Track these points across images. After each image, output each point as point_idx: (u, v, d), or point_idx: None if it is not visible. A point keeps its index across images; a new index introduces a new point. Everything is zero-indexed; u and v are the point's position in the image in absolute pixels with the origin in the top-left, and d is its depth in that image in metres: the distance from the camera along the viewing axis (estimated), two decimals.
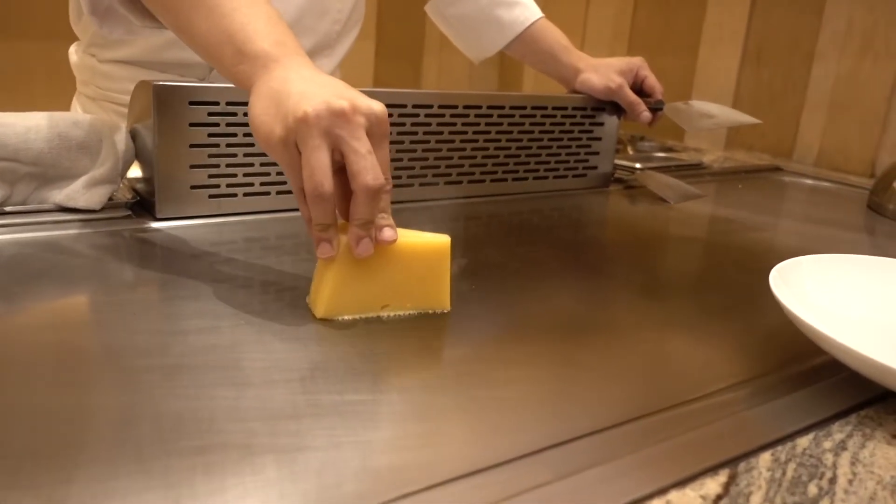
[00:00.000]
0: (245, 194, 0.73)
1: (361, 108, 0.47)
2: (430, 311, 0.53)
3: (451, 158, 0.86)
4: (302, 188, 0.48)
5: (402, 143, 0.82)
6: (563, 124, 0.95)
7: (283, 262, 0.63)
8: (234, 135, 0.70)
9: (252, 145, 0.71)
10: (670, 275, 0.73)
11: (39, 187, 0.66)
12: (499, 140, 0.90)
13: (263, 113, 0.49)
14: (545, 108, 0.93)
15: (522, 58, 1.06)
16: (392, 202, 0.51)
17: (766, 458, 0.37)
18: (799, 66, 1.38)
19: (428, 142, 0.84)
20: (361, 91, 0.51)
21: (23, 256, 0.58)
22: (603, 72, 0.97)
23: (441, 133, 0.84)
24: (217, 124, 0.69)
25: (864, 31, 1.28)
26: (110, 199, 0.69)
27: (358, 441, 0.36)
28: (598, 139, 1.00)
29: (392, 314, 0.52)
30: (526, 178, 0.94)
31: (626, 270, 0.70)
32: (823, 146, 1.36)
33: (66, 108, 0.95)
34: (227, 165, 0.71)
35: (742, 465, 0.36)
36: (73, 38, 0.91)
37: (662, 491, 0.34)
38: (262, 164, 0.72)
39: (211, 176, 0.70)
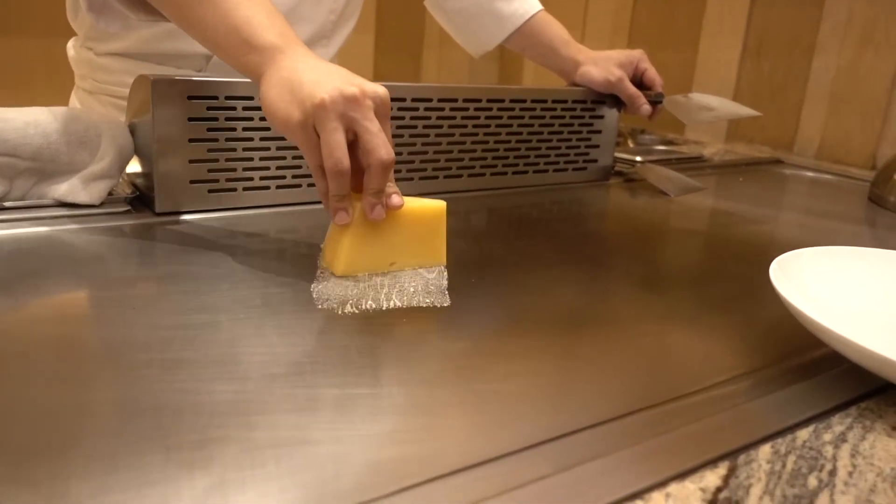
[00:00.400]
0: (244, 189, 0.73)
1: (369, 93, 0.53)
2: (436, 302, 0.53)
3: (450, 152, 0.86)
4: (319, 165, 0.54)
5: (401, 136, 0.82)
6: (564, 117, 0.95)
7: (282, 257, 0.63)
8: (234, 129, 0.70)
9: (251, 140, 0.71)
10: (671, 268, 0.73)
11: (38, 182, 0.66)
12: (499, 133, 0.89)
13: (279, 100, 0.54)
14: (545, 101, 0.93)
15: (522, 51, 1.06)
16: None
17: (765, 450, 0.37)
18: (800, 58, 1.38)
19: (428, 135, 0.84)
20: None
21: (22, 251, 0.58)
22: (603, 65, 0.97)
23: (441, 127, 0.84)
24: (216, 119, 0.69)
25: (865, 23, 1.27)
26: (109, 194, 0.69)
27: (358, 434, 0.36)
28: (599, 132, 1.00)
29: (399, 302, 0.53)
30: (526, 172, 0.94)
31: (626, 263, 0.70)
32: (824, 138, 1.36)
33: (65, 103, 0.94)
34: (227, 160, 0.71)
35: (742, 458, 0.36)
36: (72, 34, 0.91)
37: (662, 483, 0.34)
38: (261, 159, 0.72)
39: (210, 171, 0.70)
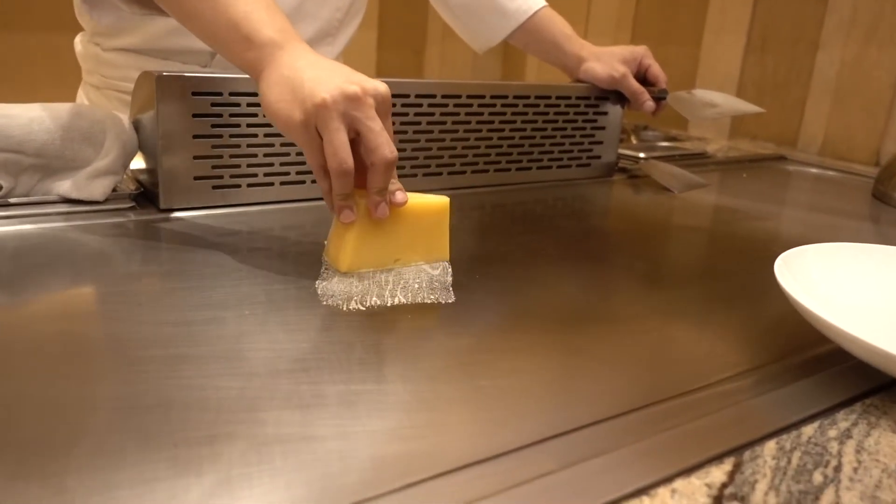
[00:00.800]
0: (249, 185, 0.73)
1: (370, 91, 0.53)
2: (440, 298, 0.53)
3: (454, 148, 0.86)
4: (322, 165, 0.54)
5: (404, 133, 0.82)
6: (567, 114, 0.95)
7: (287, 253, 0.63)
8: (238, 125, 0.70)
9: (255, 136, 0.71)
10: (674, 264, 0.73)
11: (43, 179, 0.66)
12: (502, 130, 0.89)
13: (280, 99, 0.54)
14: (549, 97, 0.92)
15: (525, 47, 1.06)
16: None
17: (771, 446, 0.37)
18: (803, 54, 1.38)
19: (431, 132, 0.84)
20: None
21: (27, 248, 0.59)
22: (606, 61, 0.97)
23: (444, 123, 0.84)
24: (220, 115, 0.69)
25: (869, 18, 1.27)
26: (114, 190, 0.69)
27: (363, 430, 0.37)
28: (602, 128, 0.99)
29: (404, 298, 0.53)
30: (529, 168, 0.94)
31: (630, 260, 0.70)
32: (828, 135, 1.36)
33: (70, 98, 0.94)
34: (231, 156, 0.71)
35: (747, 454, 0.36)
36: (76, 29, 0.91)
37: (667, 480, 0.34)
38: (265, 155, 0.72)
39: (214, 167, 0.70)
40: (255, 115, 0.70)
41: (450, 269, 0.58)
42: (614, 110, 1.00)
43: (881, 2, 1.25)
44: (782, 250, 0.53)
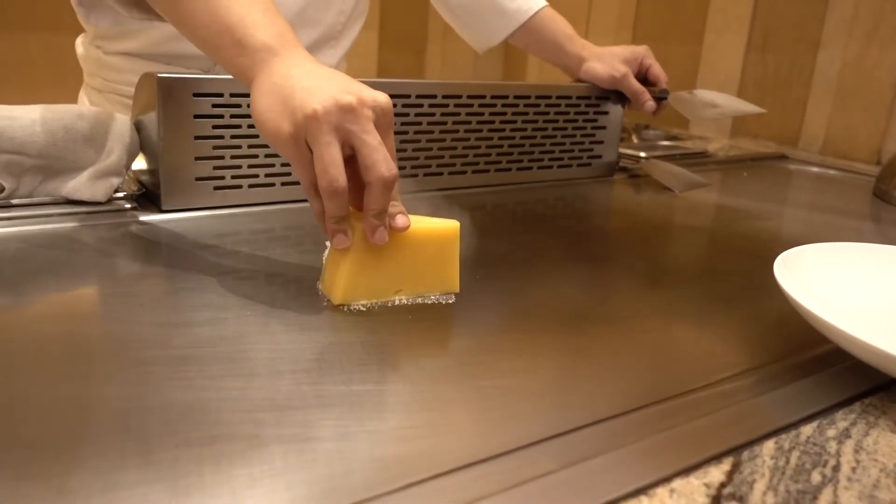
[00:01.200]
0: (250, 186, 0.73)
1: (368, 102, 0.48)
2: (440, 299, 0.53)
3: (455, 148, 0.86)
4: (313, 183, 0.49)
5: (405, 133, 0.82)
6: (568, 113, 0.95)
7: (288, 253, 0.63)
8: (239, 126, 0.70)
9: (257, 136, 0.71)
10: (675, 264, 0.73)
11: (45, 180, 0.66)
12: (503, 130, 0.89)
13: (268, 109, 0.49)
14: (549, 97, 0.93)
15: (526, 47, 1.06)
16: None
17: (769, 446, 0.37)
18: (805, 53, 1.38)
19: (432, 132, 0.84)
20: (364, 81, 0.52)
21: (29, 249, 0.59)
22: (607, 60, 0.97)
23: (445, 123, 0.84)
24: (221, 116, 0.69)
25: (871, 17, 1.27)
26: (116, 191, 0.69)
27: (364, 431, 0.37)
28: (603, 128, 1.00)
29: (405, 299, 0.52)
30: (530, 168, 0.94)
31: (630, 260, 0.70)
32: (829, 134, 1.36)
33: (71, 99, 0.95)
34: (232, 157, 0.71)
35: (746, 454, 0.37)
36: (78, 30, 0.91)
37: (666, 479, 0.34)
38: (266, 156, 0.73)
39: (216, 168, 0.70)
40: None
41: None
42: (615, 110, 1.00)
43: (882, 1, 1.25)
44: (783, 250, 0.53)
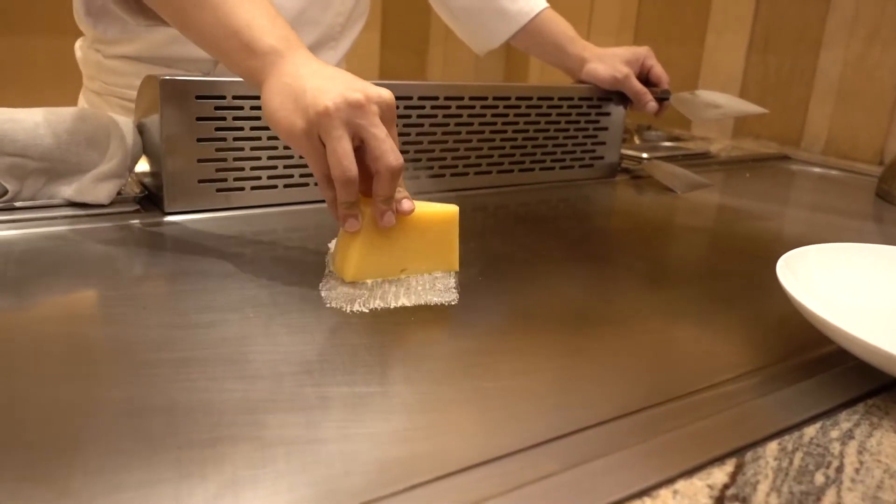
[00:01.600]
0: (252, 188, 0.73)
1: (374, 98, 0.52)
2: (442, 300, 0.53)
3: (457, 150, 0.86)
4: (325, 174, 0.53)
5: (408, 134, 0.82)
6: (570, 115, 0.95)
7: (290, 255, 0.63)
8: (241, 129, 0.70)
9: (259, 139, 0.71)
10: (677, 265, 0.73)
11: (48, 182, 0.67)
12: (505, 131, 0.90)
13: (281, 108, 0.53)
14: (551, 98, 0.93)
15: (528, 49, 1.06)
16: None
17: (772, 447, 0.37)
18: (806, 53, 1.37)
19: (434, 133, 0.84)
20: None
21: (33, 251, 0.59)
22: (609, 62, 0.97)
23: (447, 125, 0.84)
24: (224, 118, 0.69)
25: (872, 17, 1.27)
26: (119, 193, 0.69)
27: (367, 433, 0.37)
28: (605, 129, 1.00)
29: (407, 302, 0.53)
30: (532, 169, 0.94)
31: (632, 260, 0.70)
32: (831, 134, 1.36)
33: (73, 102, 0.95)
34: (235, 159, 0.71)
35: (749, 455, 0.37)
36: (79, 33, 0.91)
37: (669, 481, 0.34)
38: (269, 158, 0.73)
39: (218, 170, 0.70)
40: (259, 119, 0.71)
41: (453, 271, 0.59)
42: (617, 111, 1.00)
43: (883, 2, 1.25)
44: (785, 250, 0.53)
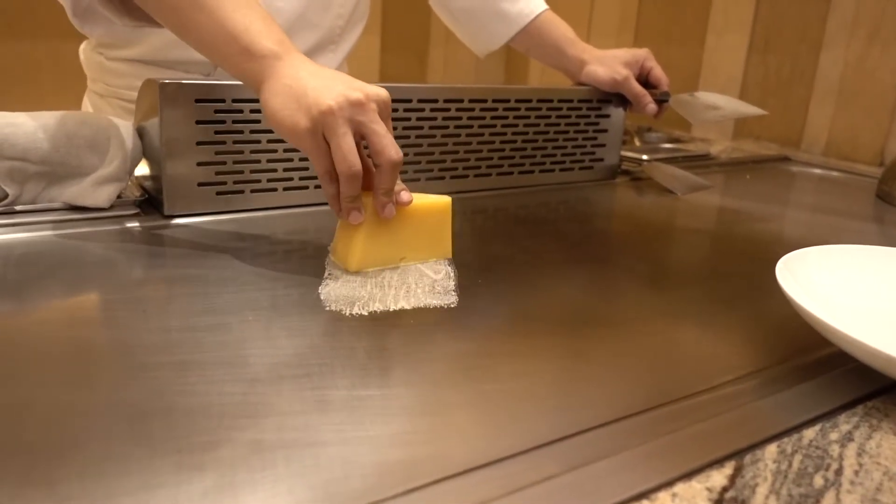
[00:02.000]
0: (252, 191, 0.73)
1: (372, 96, 0.55)
2: (442, 302, 0.53)
3: (457, 152, 0.86)
4: (328, 171, 0.56)
5: (407, 137, 0.82)
6: (569, 117, 0.95)
7: (290, 258, 0.63)
8: (241, 132, 0.70)
9: (258, 142, 0.71)
10: (677, 266, 0.73)
11: (48, 186, 0.67)
12: (505, 133, 0.90)
13: (284, 108, 0.55)
14: (551, 100, 0.93)
15: (527, 51, 1.06)
16: None
17: (772, 449, 0.37)
18: (807, 54, 1.38)
19: (434, 136, 0.84)
20: None
21: (33, 255, 0.59)
22: (608, 64, 0.97)
23: (447, 127, 0.84)
24: (223, 121, 0.69)
25: (873, 18, 1.27)
26: (119, 196, 0.70)
27: (366, 436, 0.37)
28: (605, 131, 1.00)
29: (407, 305, 0.53)
30: (532, 172, 0.94)
31: (632, 262, 0.70)
32: (832, 135, 1.36)
33: (74, 106, 0.95)
34: (234, 162, 0.71)
35: (748, 458, 0.37)
36: (81, 37, 0.91)
37: (669, 483, 0.34)
38: (268, 161, 0.73)
39: (218, 173, 0.70)
40: (258, 122, 0.71)
41: (453, 274, 0.59)
42: (616, 113, 1.00)
43: (884, 2, 1.25)
44: (785, 252, 0.53)
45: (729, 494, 0.34)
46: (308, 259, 0.62)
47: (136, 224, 0.67)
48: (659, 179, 1.00)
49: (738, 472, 0.35)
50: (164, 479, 0.32)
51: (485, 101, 0.86)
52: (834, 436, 0.39)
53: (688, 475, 0.35)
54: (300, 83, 0.55)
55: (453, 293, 0.55)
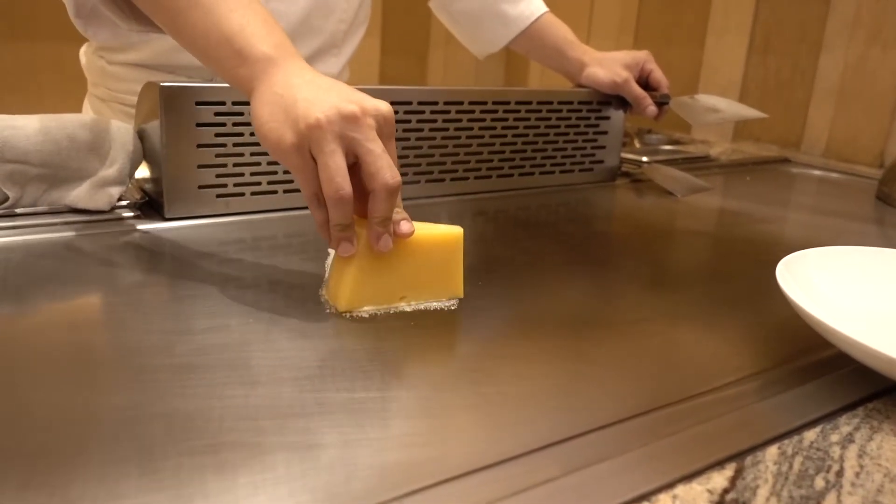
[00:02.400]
0: (252, 193, 0.73)
1: (370, 110, 0.49)
2: (443, 305, 0.53)
3: (457, 155, 0.86)
4: (315, 193, 0.49)
5: (407, 139, 0.82)
6: (569, 119, 0.95)
7: (291, 261, 0.63)
8: (241, 134, 0.70)
9: (258, 144, 0.71)
10: (678, 268, 0.73)
11: (49, 189, 0.67)
12: (505, 135, 0.90)
13: (271, 119, 0.49)
14: (551, 102, 0.93)
15: (527, 53, 1.06)
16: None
17: (772, 451, 0.37)
18: (806, 55, 1.38)
19: (434, 138, 0.84)
20: (366, 88, 0.53)
21: (33, 258, 0.59)
22: (608, 66, 0.97)
23: (447, 129, 0.84)
24: (224, 124, 0.69)
25: (873, 19, 1.27)
26: (119, 199, 0.70)
27: (367, 438, 0.37)
28: (605, 133, 1.00)
29: (408, 306, 0.52)
30: (532, 174, 0.94)
31: (633, 264, 0.70)
32: (832, 137, 1.36)
33: (75, 109, 0.95)
34: (235, 165, 0.71)
35: (749, 459, 0.37)
36: (82, 40, 0.91)
37: (669, 485, 0.34)
38: (268, 163, 0.73)
39: (218, 175, 0.71)
40: None
41: None
42: (617, 115, 1.00)
43: (884, 3, 1.25)
44: (786, 253, 0.53)
45: (730, 496, 0.34)
46: (309, 262, 0.62)
47: (137, 227, 0.67)
48: (659, 181, 1.00)
49: (738, 473, 0.35)
50: (164, 482, 0.32)
51: (485, 103, 0.86)
52: (835, 437, 0.39)
53: (688, 477, 0.35)
54: (291, 92, 0.49)
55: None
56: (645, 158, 1.12)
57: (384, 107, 0.50)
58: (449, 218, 0.79)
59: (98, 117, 0.70)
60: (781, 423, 0.40)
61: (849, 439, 0.39)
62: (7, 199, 0.64)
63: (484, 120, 0.87)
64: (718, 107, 1.07)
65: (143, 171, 0.73)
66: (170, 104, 0.66)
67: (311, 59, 0.88)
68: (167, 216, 0.69)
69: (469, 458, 0.35)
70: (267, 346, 0.46)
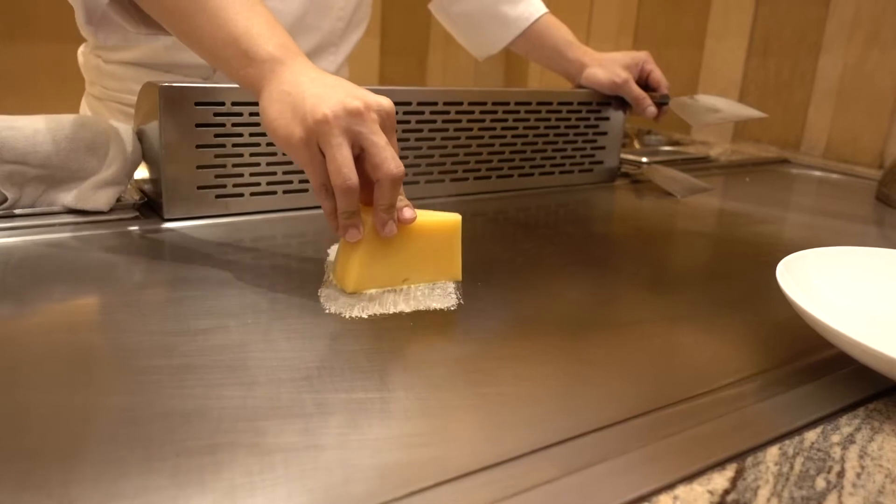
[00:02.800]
0: (252, 194, 0.73)
1: (373, 106, 0.52)
2: (443, 306, 0.53)
3: (456, 155, 0.86)
4: (324, 184, 0.52)
5: (407, 140, 0.82)
6: (569, 119, 0.95)
7: (290, 261, 0.63)
8: (240, 135, 0.70)
9: (258, 145, 0.71)
10: (677, 269, 0.73)
11: (48, 190, 0.67)
12: (504, 136, 0.90)
13: (280, 116, 0.52)
14: (550, 103, 0.93)
15: (527, 54, 1.06)
16: None
17: (773, 452, 0.37)
18: (806, 56, 1.38)
19: (433, 139, 0.84)
20: (367, 89, 0.54)
21: (32, 258, 0.59)
22: (608, 66, 0.97)
23: (446, 130, 0.84)
24: (223, 125, 0.69)
25: (872, 20, 1.27)
26: (118, 200, 0.69)
27: (366, 439, 0.37)
28: (604, 134, 1.00)
29: (407, 308, 0.53)
30: (532, 174, 0.94)
31: (633, 265, 0.70)
32: (831, 137, 1.36)
33: (74, 109, 0.95)
34: (234, 165, 0.71)
35: (749, 460, 0.36)
36: (81, 40, 0.91)
37: (670, 486, 0.34)
38: (268, 164, 0.73)
39: (217, 176, 0.70)
40: (258, 125, 0.71)
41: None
42: (616, 116, 1.00)
43: (883, 4, 1.25)
44: (786, 254, 0.53)
45: (730, 497, 0.33)
46: (308, 262, 0.62)
47: (136, 227, 0.67)
48: (658, 182, 1.00)
49: (739, 474, 0.35)
50: (162, 483, 0.32)
51: (484, 103, 0.86)
52: (835, 438, 0.39)
53: (689, 478, 0.35)
54: (299, 90, 0.52)
55: (453, 296, 0.55)
56: (644, 159, 1.12)
57: (386, 102, 0.53)
58: None
59: (97, 118, 0.70)
60: (782, 424, 0.40)
61: (850, 440, 0.39)
62: (6, 199, 0.64)
63: (483, 121, 0.87)
64: (718, 107, 1.07)
65: (142, 172, 0.73)
66: (169, 105, 0.66)
67: (309, 57, 0.88)
68: (166, 217, 0.69)
69: (468, 458, 0.35)
70: (265, 347, 0.46)
